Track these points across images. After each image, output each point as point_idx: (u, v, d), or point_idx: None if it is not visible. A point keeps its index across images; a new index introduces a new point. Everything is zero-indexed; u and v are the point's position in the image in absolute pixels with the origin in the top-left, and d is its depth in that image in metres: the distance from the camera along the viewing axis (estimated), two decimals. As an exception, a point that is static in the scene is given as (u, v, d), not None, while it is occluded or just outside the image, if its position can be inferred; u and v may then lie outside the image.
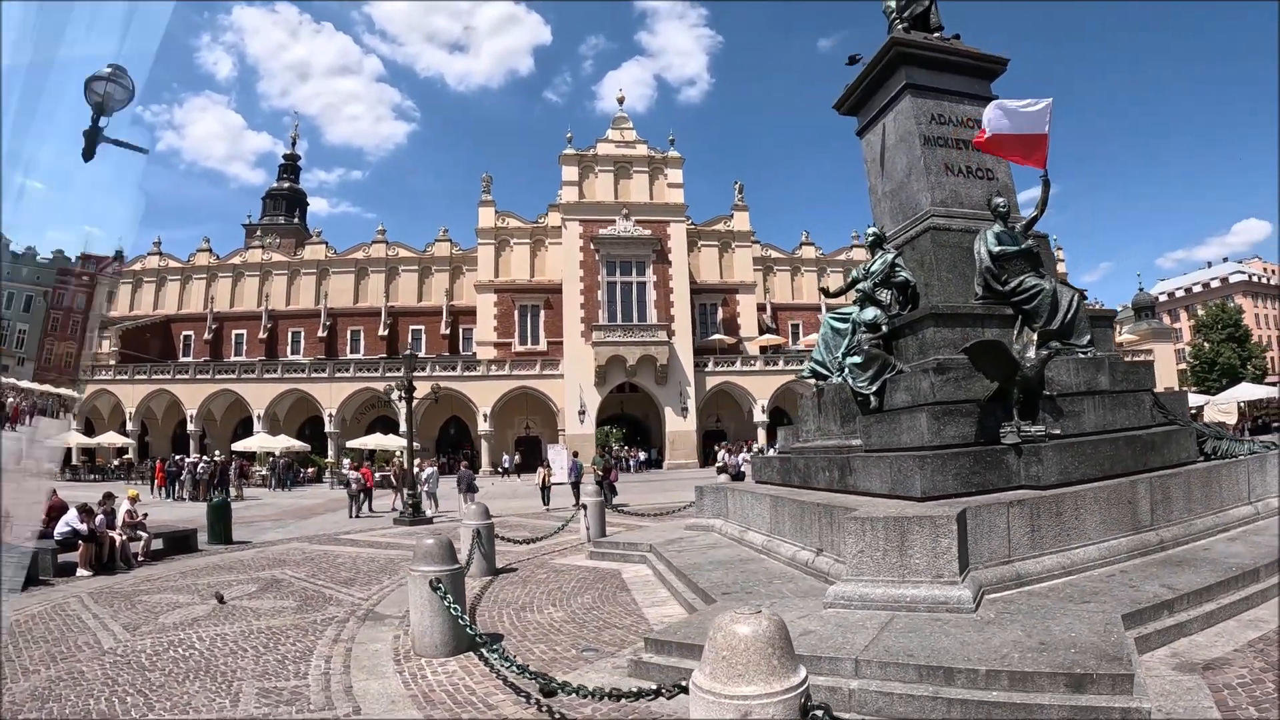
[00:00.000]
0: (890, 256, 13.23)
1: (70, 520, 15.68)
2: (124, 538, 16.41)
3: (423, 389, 33.32)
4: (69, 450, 61.58)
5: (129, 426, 65.28)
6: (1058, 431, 10.28)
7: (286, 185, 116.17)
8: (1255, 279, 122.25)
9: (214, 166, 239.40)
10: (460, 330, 75.95)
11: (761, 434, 64.79)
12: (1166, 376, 69.63)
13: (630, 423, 71.03)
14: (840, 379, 13.09)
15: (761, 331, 75.01)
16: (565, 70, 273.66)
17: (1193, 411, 13.77)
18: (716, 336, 72.02)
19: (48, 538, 15.58)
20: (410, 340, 74.69)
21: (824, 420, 13.66)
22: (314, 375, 65.73)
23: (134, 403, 66.18)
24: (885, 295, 13.24)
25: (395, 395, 30.38)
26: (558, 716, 6.72)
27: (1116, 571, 8.78)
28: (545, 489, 31.44)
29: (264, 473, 52.60)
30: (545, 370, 66.97)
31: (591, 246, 67.63)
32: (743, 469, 33.98)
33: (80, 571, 15.23)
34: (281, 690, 7.82)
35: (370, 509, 29.36)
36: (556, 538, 18.28)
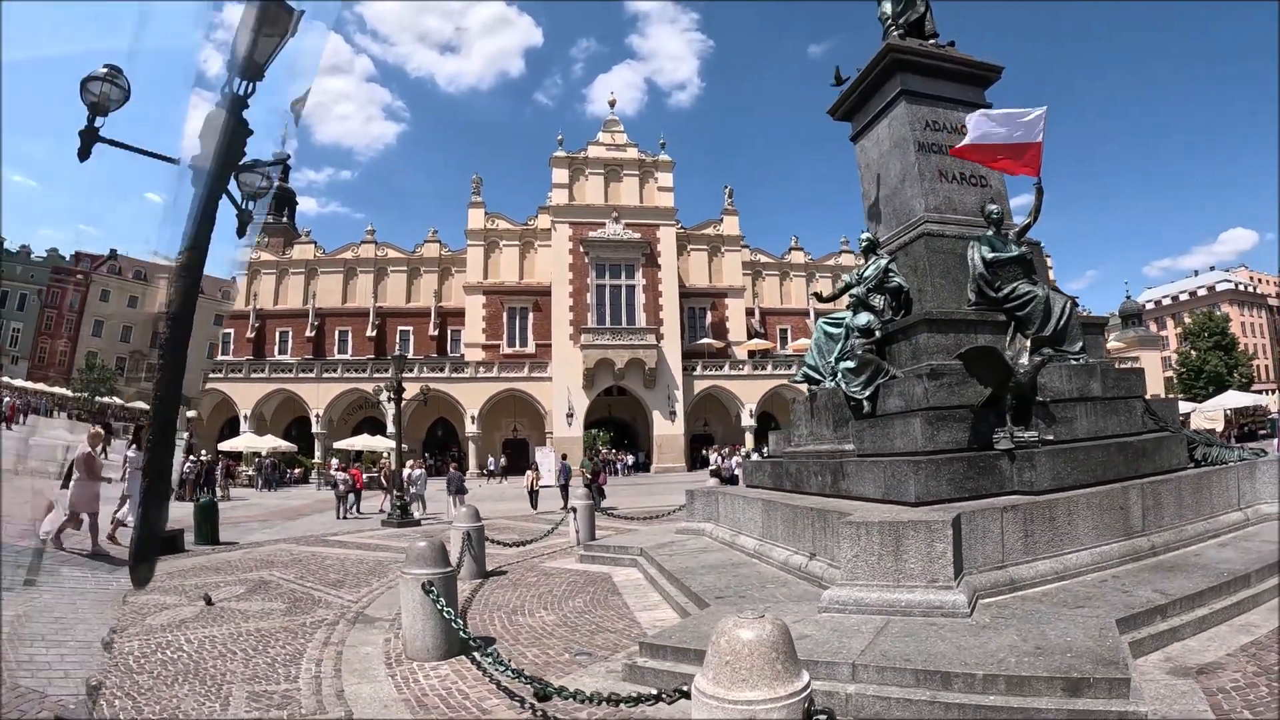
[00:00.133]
0: (884, 262, 13.25)
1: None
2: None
3: (411, 390, 33.27)
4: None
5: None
6: (1051, 437, 10.32)
7: (275, 184, 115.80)
8: (1241, 288, 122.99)
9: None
10: (449, 332, 75.71)
11: (749, 438, 64.85)
12: (1153, 384, 69.87)
13: (618, 426, 70.95)
14: (833, 384, 13.09)
15: (750, 336, 75.01)
16: (556, 73, 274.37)
17: (1180, 418, 13.86)
18: (705, 340, 72.11)
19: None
20: (398, 341, 74.35)
21: (816, 425, 13.67)
22: (301, 375, 65.51)
23: (120, 402, 65.65)
24: (878, 300, 13.25)
25: (384, 396, 30.28)
26: (553, 721, 6.69)
27: (1109, 576, 8.82)
28: (533, 492, 31.43)
29: (250, 473, 52.43)
30: (533, 373, 66.95)
31: (581, 249, 67.59)
32: (736, 472, 34.02)
33: (65, 573, 15.09)
34: (272, 694, 7.73)
35: (358, 510, 29.24)
36: (546, 540, 18.23)
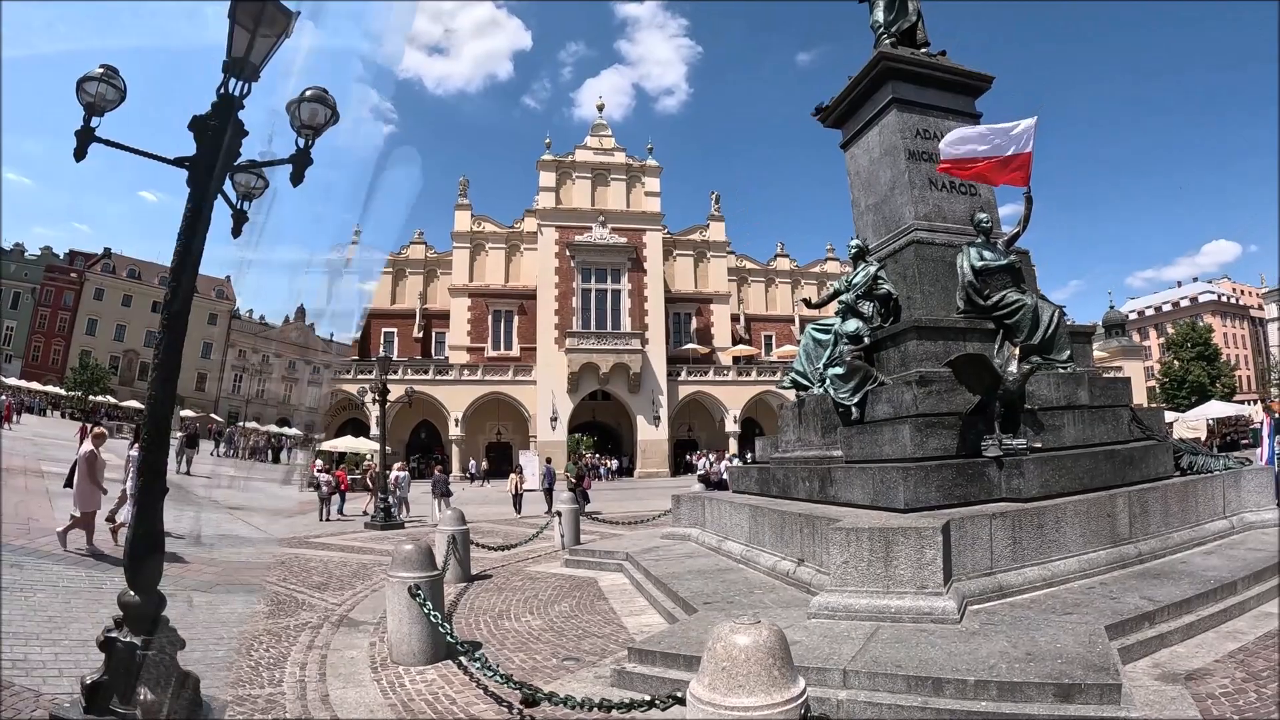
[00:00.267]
0: (873, 269, 13.28)
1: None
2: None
3: (395, 392, 33.13)
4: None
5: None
6: (1039, 445, 10.35)
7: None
8: (1224, 299, 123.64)
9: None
10: (433, 334, 75.47)
11: (733, 444, 64.84)
12: (1136, 393, 69.83)
13: (602, 430, 70.76)
14: (821, 390, 13.11)
15: (735, 342, 74.97)
16: (544, 76, 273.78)
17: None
18: (690, 346, 72.12)
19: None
20: (382, 342, 74.13)
21: (804, 431, 13.67)
22: (284, 377, 65.35)
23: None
24: (867, 307, 13.27)
25: (369, 398, 30.20)
26: (543, 726, 6.67)
27: (1096, 583, 8.87)
28: (517, 496, 31.31)
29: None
30: (518, 376, 66.72)
31: (567, 253, 67.44)
32: (725, 477, 33.98)
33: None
34: (256, 698, 7.68)
35: (341, 512, 29.04)
36: (530, 545, 18.18)
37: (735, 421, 67.39)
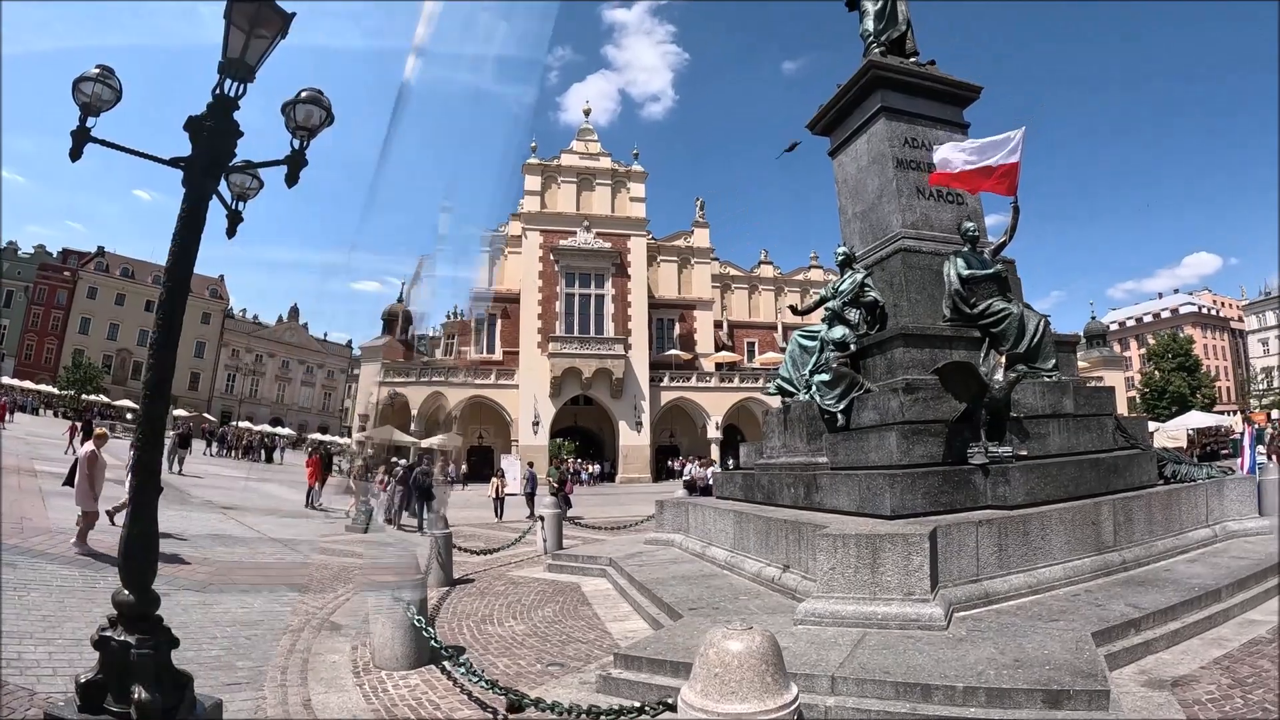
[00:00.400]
0: (860, 276, 13.27)
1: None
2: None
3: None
4: None
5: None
6: (1024, 453, 10.35)
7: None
8: (1204, 311, 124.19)
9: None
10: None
11: (715, 450, 64.64)
12: (1117, 403, 70.19)
13: (584, 435, 70.36)
14: (807, 396, 13.09)
15: (718, 348, 74.73)
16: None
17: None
18: (673, 352, 71.84)
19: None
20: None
21: (790, 437, 13.64)
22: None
23: None
24: (854, 314, 13.27)
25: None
26: (528, 732, 6.60)
27: (1081, 591, 8.86)
28: (498, 500, 31.13)
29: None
30: (500, 380, 66.53)
31: (551, 257, 67.25)
32: (711, 483, 33.93)
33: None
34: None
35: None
36: (513, 549, 18.10)
37: (717, 428, 67.16)
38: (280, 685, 8.11)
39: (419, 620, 8.39)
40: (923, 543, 7.77)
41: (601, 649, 9.35)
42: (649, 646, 8.08)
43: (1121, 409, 76.36)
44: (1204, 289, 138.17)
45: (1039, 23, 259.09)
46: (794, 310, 16.76)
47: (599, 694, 7.39)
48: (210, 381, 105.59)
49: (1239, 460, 18.98)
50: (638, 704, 5.20)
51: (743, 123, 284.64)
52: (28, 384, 78.04)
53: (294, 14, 6.19)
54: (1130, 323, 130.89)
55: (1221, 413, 76.35)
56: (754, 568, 10.99)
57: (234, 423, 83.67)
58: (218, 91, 6.23)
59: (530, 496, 31.23)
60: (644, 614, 10.88)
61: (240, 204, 7.21)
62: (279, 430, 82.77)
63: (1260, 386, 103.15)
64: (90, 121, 6.12)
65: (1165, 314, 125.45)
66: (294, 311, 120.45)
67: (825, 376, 12.45)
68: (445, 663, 8.09)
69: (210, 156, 6.26)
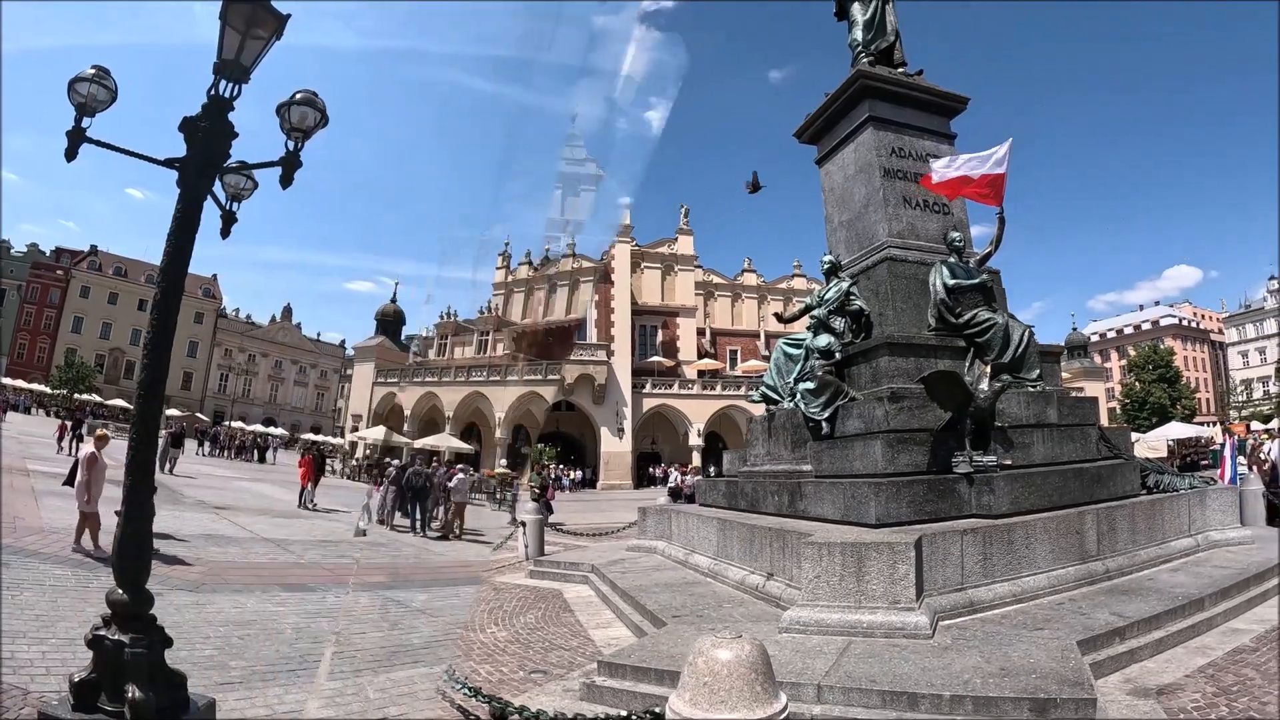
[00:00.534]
0: (845, 285, 13.23)
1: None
2: None
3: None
4: None
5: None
6: (1009, 462, 10.26)
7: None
8: (1185, 323, 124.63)
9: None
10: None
11: (696, 457, 64.43)
12: (1096, 413, 70.30)
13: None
14: (792, 404, 13.03)
15: (700, 356, 74.62)
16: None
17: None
18: (655, 358, 71.74)
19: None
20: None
21: (774, 445, 13.56)
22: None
23: None
24: (839, 323, 13.23)
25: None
26: (512, 740, 6.48)
27: (1066, 600, 8.77)
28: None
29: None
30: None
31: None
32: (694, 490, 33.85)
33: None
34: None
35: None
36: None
37: (699, 435, 66.98)
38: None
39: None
40: (908, 551, 7.68)
41: (585, 656, 9.21)
42: (633, 654, 7.97)
43: (1102, 420, 76.31)
44: (1184, 301, 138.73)
45: (1024, 32, 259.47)
46: (779, 318, 16.73)
47: (583, 702, 7.25)
48: (203, 381, 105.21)
49: (1219, 471, 18.99)
50: (623, 713, 5.12)
51: (729, 130, 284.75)
52: (20, 383, 77.73)
53: (289, 15, 6.14)
54: (1111, 334, 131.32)
55: (1201, 424, 76.51)
56: (737, 575, 10.91)
57: (227, 423, 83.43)
58: (213, 92, 6.17)
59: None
60: (627, 621, 10.72)
61: (235, 204, 7.15)
62: (272, 430, 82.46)
63: (1240, 398, 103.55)
64: (85, 122, 6.07)
65: (1146, 326, 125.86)
66: (287, 311, 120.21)
67: (810, 384, 12.39)
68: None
69: (205, 157, 6.20)
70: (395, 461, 34.97)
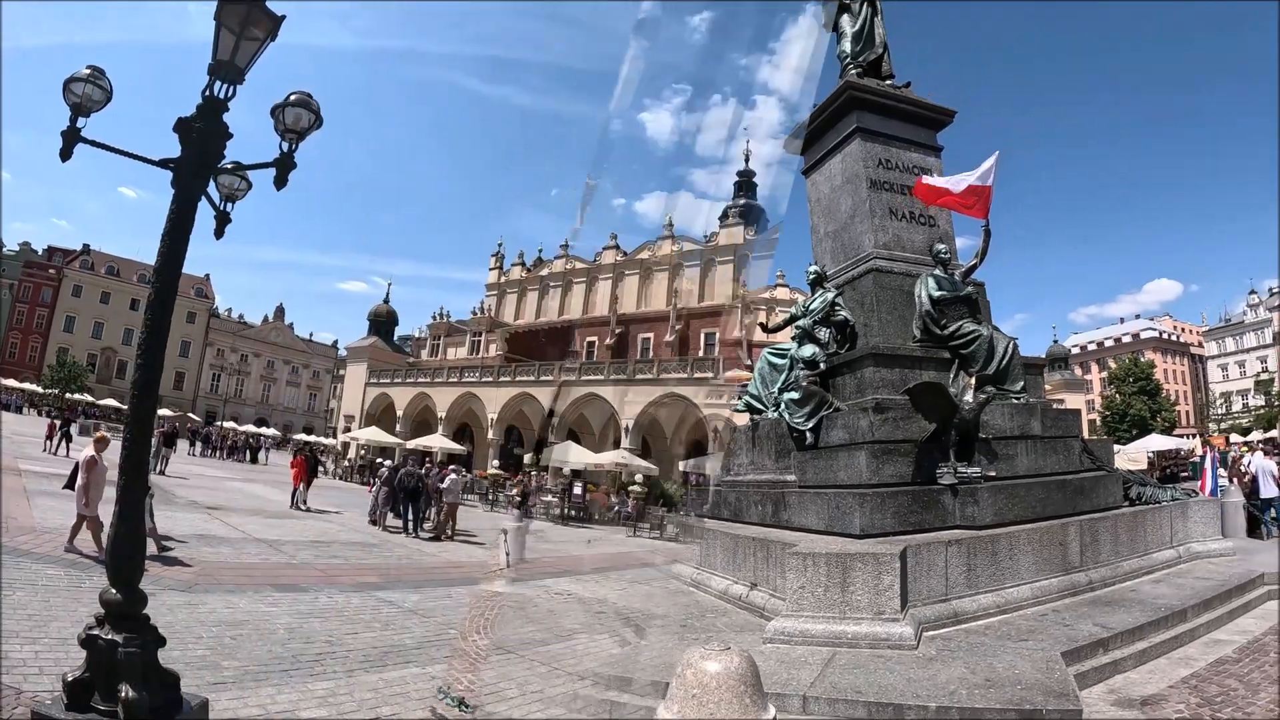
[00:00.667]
0: (830, 295, 13.18)
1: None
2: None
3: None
4: None
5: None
6: (993, 474, 10.22)
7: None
8: (1165, 336, 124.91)
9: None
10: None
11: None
12: (1078, 425, 70.34)
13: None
14: (776, 414, 12.96)
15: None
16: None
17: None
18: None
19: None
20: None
21: (758, 454, 13.49)
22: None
23: None
24: (824, 333, 13.17)
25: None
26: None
27: (1049, 611, 8.73)
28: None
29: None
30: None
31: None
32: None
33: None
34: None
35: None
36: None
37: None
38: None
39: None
40: (893, 562, 7.62)
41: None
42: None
43: (1082, 432, 76.36)
44: (1165, 315, 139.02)
45: (1008, 43, 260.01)
46: (763, 328, 16.67)
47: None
48: (195, 381, 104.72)
49: (1200, 483, 19.01)
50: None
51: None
52: (11, 382, 77.25)
53: (284, 16, 6.08)
54: (1092, 346, 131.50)
55: (1181, 436, 76.78)
56: (721, 585, 10.84)
57: (219, 423, 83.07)
58: (207, 93, 6.11)
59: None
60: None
61: (229, 205, 7.09)
62: (264, 430, 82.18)
63: (1219, 411, 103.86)
64: (80, 122, 6.00)
65: (1127, 339, 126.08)
66: (279, 311, 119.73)
67: (794, 394, 12.33)
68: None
69: (200, 158, 6.13)
70: (387, 462, 34.71)
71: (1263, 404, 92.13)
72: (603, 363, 59.29)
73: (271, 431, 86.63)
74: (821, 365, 12.64)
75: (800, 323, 13.57)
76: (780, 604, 8.42)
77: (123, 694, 5.22)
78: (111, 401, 75.79)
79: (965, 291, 12.31)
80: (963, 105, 14.75)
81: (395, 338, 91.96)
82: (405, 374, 70.91)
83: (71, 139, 5.93)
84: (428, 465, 30.81)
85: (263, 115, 6.58)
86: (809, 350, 12.91)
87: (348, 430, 69.89)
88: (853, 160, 13.92)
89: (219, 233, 6.90)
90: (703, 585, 11.34)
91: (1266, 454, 22.73)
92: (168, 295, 6.05)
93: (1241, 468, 21.79)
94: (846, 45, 14.99)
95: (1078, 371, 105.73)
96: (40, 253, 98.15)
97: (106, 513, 12.20)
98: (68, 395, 78.85)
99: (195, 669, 7.80)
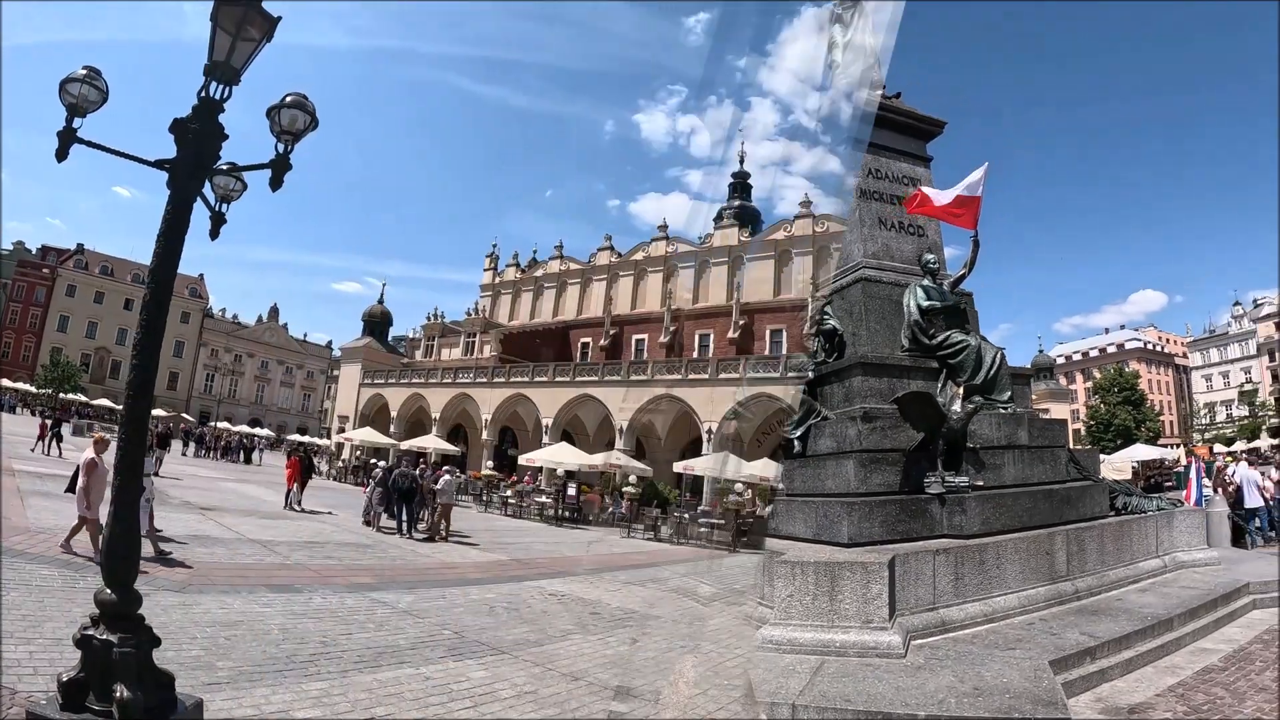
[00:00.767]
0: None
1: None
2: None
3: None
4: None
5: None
6: (980, 483, 10.20)
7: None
8: (1150, 346, 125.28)
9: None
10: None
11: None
12: (1063, 435, 70.40)
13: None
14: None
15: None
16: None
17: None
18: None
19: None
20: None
21: (750, 458, 13.49)
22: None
23: None
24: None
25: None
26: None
27: (1036, 619, 8.74)
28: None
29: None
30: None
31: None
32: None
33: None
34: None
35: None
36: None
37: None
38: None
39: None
40: (881, 571, 7.59)
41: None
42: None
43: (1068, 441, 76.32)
44: (1150, 325, 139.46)
45: (992, 49, 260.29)
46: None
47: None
48: (189, 381, 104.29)
49: (1185, 493, 19.03)
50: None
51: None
52: (4, 382, 76.83)
53: (279, 18, 6.05)
54: (1077, 356, 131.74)
55: (1165, 446, 76.90)
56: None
57: (212, 423, 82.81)
58: (203, 94, 6.08)
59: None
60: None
61: (224, 206, 7.06)
62: (258, 431, 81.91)
63: (1203, 421, 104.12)
64: (76, 122, 5.97)
65: (1111, 349, 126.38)
66: (273, 311, 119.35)
67: (788, 401, 12.35)
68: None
69: (196, 159, 6.11)
70: (382, 463, 34.60)
71: (1246, 414, 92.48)
72: (597, 364, 59.04)
73: (266, 432, 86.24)
74: (810, 374, 12.62)
75: (790, 331, 13.57)
76: (769, 612, 8.38)
77: (118, 694, 5.21)
78: (105, 401, 75.56)
79: (953, 301, 12.29)
80: (949, 112, 14.76)
81: (390, 338, 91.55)
82: (400, 375, 70.73)
83: (68, 139, 5.90)
84: (422, 466, 30.73)
85: (257, 114, 6.55)
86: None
87: (342, 431, 69.69)
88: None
89: (214, 233, 6.87)
90: (690, 592, 11.32)
91: (1251, 464, 22.77)
92: (163, 296, 6.03)
93: (1226, 478, 21.86)
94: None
95: (1063, 381, 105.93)
96: (34, 252, 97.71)
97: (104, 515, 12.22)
98: (61, 395, 78.54)
99: (190, 669, 7.80)
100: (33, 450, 33.39)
